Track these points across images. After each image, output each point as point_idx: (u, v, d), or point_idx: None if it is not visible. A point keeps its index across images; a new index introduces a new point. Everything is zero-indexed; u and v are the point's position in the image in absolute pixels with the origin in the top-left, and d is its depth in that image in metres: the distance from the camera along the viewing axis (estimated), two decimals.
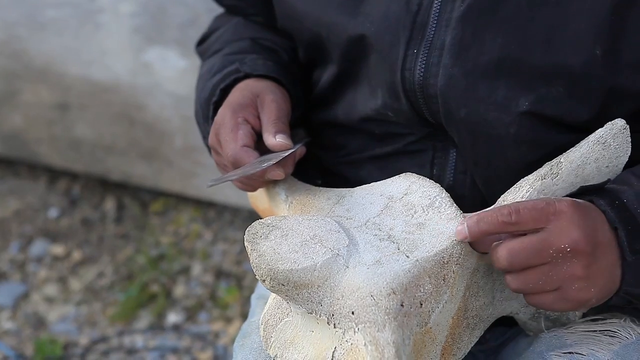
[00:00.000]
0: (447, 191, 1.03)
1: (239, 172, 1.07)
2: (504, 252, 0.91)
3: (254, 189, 1.17)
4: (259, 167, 1.05)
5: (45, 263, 2.52)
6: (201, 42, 1.37)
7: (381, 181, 1.06)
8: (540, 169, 1.00)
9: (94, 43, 2.44)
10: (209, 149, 1.22)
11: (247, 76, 1.18)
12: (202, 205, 2.59)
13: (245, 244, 0.96)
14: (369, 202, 1.02)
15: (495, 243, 0.93)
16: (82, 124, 2.60)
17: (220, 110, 1.15)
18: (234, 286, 2.37)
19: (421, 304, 0.91)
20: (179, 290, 2.38)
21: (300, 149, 1.14)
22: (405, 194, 1.02)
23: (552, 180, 0.98)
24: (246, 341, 1.08)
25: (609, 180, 0.97)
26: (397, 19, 1.06)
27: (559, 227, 0.90)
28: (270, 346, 0.99)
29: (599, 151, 0.99)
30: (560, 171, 0.98)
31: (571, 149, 0.99)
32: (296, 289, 0.93)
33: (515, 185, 1.00)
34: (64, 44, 2.48)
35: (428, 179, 1.04)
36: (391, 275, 0.90)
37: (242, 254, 2.46)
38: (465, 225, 0.93)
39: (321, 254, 0.93)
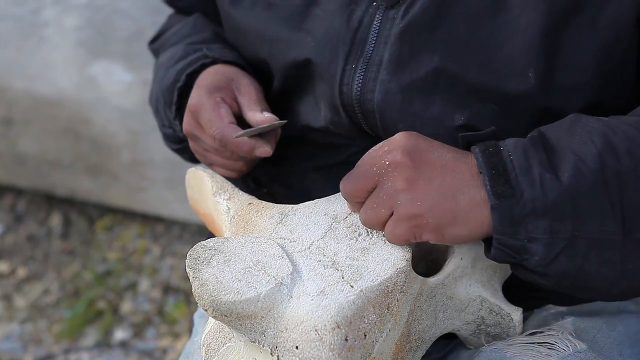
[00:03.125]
0: None
1: (258, 129, 1.09)
2: (343, 188, 0.97)
3: (238, 174, 1.17)
4: (275, 123, 1.09)
5: None
6: (155, 39, 1.37)
7: (325, 198, 1.05)
8: None
9: (38, 57, 2.41)
10: (167, 137, 1.24)
11: (214, 62, 1.18)
12: (150, 220, 2.57)
13: (187, 270, 0.94)
14: (312, 223, 1.01)
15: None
16: (27, 139, 2.57)
17: (194, 93, 1.14)
18: (182, 301, 2.35)
19: (365, 335, 0.90)
20: (126, 306, 2.36)
21: (279, 129, 1.16)
22: (349, 214, 1.02)
23: None
24: None
25: (494, 127, 0.97)
26: (337, 34, 1.08)
27: (384, 148, 0.95)
28: None
29: None
30: None
31: None
32: (239, 320, 0.92)
33: None
34: (7, 58, 2.45)
35: None
36: (335, 309, 0.89)
37: None
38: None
39: (264, 283, 0.92)
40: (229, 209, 1.09)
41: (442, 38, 1.02)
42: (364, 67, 1.06)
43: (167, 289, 2.40)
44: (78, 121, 2.46)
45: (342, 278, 0.93)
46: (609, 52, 0.99)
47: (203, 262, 0.94)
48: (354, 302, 0.90)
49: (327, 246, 0.98)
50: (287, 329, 0.90)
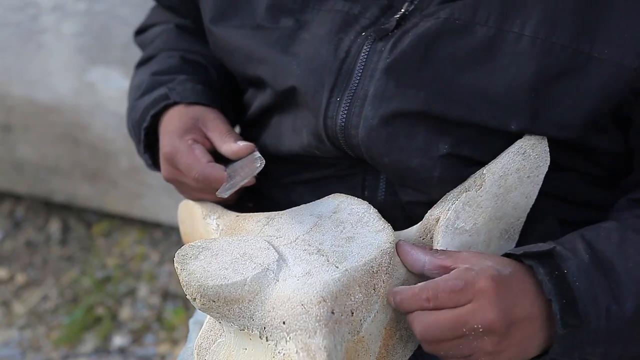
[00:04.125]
0: (378, 212, 1.05)
1: (244, 177, 1.08)
2: (418, 326, 0.92)
3: (233, 201, 1.18)
4: (254, 167, 1.07)
5: None
6: (140, 32, 1.39)
7: (310, 203, 1.07)
8: (465, 182, 1.02)
9: (36, 63, 2.42)
10: (146, 161, 1.25)
11: (176, 103, 1.19)
12: (148, 226, 2.57)
13: (175, 265, 0.97)
14: (298, 222, 1.03)
15: (410, 314, 0.94)
16: (25, 145, 2.57)
17: (166, 140, 1.15)
18: (181, 307, 2.35)
19: (352, 313, 0.92)
20: (125, 312, 2.36)
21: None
22: (334, 212, 1.03)
23: (476, 192, 1.00)
24: None
25: (555, 247, 0.96)
26: (323, 63, 1.06)
27: (475, 308, 0.91)
28: None
29: (519, 161, 1.02)
30: (483, 182, 1.01)
31: (493, 161, 1.02)
32: (227, 305, 0.93)
33: (441, 199, 1.02)
34: (6, 64, 2.45)
35: (356, 198, 1.05)
36: (321, 285, 0.91)
37: None
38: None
39: (251, 269, 0.94)
40: (218, 225, 1.11)
41: (428, 77, 1.01)
42: (349, 100, 1.05)
43: (166, 295, 2.40)
44: (76, 127, 2.46)
45: (327, 261, 0.96)
46: (597, 116, 1.00)
47: (191, 257, 0.97)
48: (339, 280, 0.92)
49: (312, 238, 1.00)
50: (274, 308, 0.92)
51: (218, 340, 0.99)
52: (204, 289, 0.93)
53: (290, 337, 0.90)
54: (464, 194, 1.00)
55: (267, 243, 0.99)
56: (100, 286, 2.41)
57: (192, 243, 1.00)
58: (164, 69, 1.26)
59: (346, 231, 1.00)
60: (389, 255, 0.97)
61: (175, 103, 1.19)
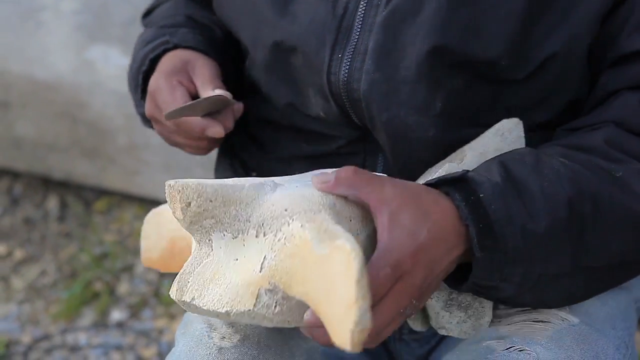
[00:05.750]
0: None
1: (189, 104, 1.09)
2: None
3: (205, 152, 1.21)
4: (217, 97, 1.08)
5: None
6: (147, 14, 1.40)
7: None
8: (447, 157, 1.06)
9: (35, 41, 2.43)
10: (142, 117, 1.26)
11: (176, 47, 1.21)
12: (146, 203, 2.59)
13: (166, 185, 0.94)
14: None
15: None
16: (24, 122, 2.58)
17: (153, 78, 1.18)
18: None
19: (350, 220, 0.91)
20: (123, 287, 2.38)
21: (237, 105, 1.18)
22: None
23: (457, 165, 1.03)
24: (188, 329, 1.10)
25: (467, 171, 0.97)
26: (323, 22, 1.08)
27: (406, 285, 0.88)
28: (186, 292, 0.94)
29: (497, 142, 1.06)
30: (464, 157, 1.04)
31: (474, 140, 1.06)
32: (224, 206, 0.92)
33: (425, 173, 1.06)
34: (5, 41, 2.46)
35: None
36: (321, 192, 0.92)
37: None
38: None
39: (249, 181, 0.94)
40: None
41: (425, 21, 1.03)
42: (350, 56, 1.07)
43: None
44: (75, 105, 2.48)
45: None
46: (576, 45, 1.04)
47: (180, 180, 0.95)
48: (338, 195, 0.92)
49: (306, 181, 0.98)
50: (273, 204, 0.91)
51: (204, 261, 0.95)
52: (202, 187, 0.92)
53: (293, 219, 0.89)
54: (447, 164, 1.03)
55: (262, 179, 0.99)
56: (98, 262, 2.43)
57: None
58: (168, 24, 1.28)
59: None
60: None
61: (174, 48, 1.22)
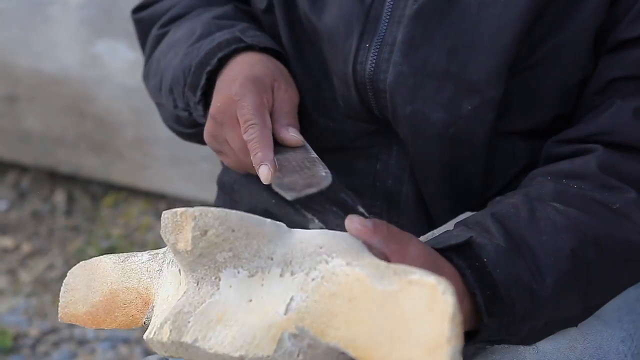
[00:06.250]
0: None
1: (312, 189, 0.94)
2: None
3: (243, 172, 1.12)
4: (320, 180, 0.96)
5: None
6: (142, 8, 1.29)
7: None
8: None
9: (43, 35, 2.43)
10: (176, 118, 1.17)
11: (248, 47, 1.11)
12: (153, 197, 2.60)
13: (169, 214, 0.87)
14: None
15: None
16: (32, 116, 2.59)
17: (241, 82, 1.05)
18: None
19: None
20: None
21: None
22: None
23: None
24: None
25: (471, 236, 0.95)
26: (350, 11, 1.08)
27: None
28: (186, 333, 0.85)
29: None
30: None
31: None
32: (247, 238, 0.84)
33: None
34: (12, 35, 2.47)
35: None
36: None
37: None
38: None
39: (269, 220, 0.86)
40: (156, 253, 1.00)
41: (455, 21, 1.03)
42: (378, 46, 1.07)
43: None
44: (82, 99, 2.48)
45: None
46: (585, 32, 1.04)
47: (185, 208, 0.87)
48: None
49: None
50: (301, 241, 0.84)
51: (208, 301, 0.86)
52: (226, 215, 0.83)
53: (333, 257, 0.82)
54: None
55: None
56: None
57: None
58: (219, 15, 1.18)
59: None
60: None
61: (246, 48, 1.11)
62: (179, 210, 0.86)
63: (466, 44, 1.04)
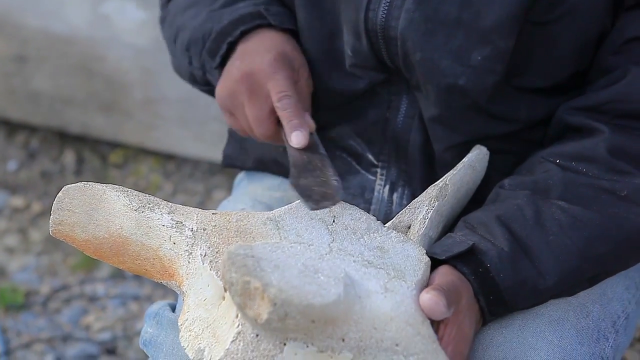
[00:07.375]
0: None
1: (328, 202, 0.98)
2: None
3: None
4: (334, 185, 1.00)
5: (4, 215, 2.53)
6: None
7: (294, 203, 1.01)
8: (429, 190, 1.05)
9: None
10: (190, 75, 1.20)
11: (269, 26, 1.15)
12: (162, 157, 2.61)
13: (245, 278, 0.82)
14: (310, 226, 0.98)
15: None
16: (41, 76, 2.59)
17: (275, 57, 1.10)
18: None
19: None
20: None
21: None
22: (335, 217, 1.00)
23: (442, 201, 1.04)
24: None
25: (473, 243, 0.98)
26: None
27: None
28: None
29: (469, 174, 1.08)
30: (447, 193, 1.05)
31: (451, 172, 1.07)
32: (325, 325, 0.83)
33: (409, 207, 1.04)
34: None
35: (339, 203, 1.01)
36: (412, 303, 0.89)
37: (202, 205, 2.49)
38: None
39: (334, 285, 0.85)
40: (180, 222, 0.99)
41: None
42: None
43: None
44: (91, 59, 2.49)
45: (389, 275, 0.93)
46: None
47: (256, 268, 0.83)
48: (416, 295, 0.91)
49: (345, 247, 0.95)
50: (375, 328, 0.86)
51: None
52: (309, 309, 0.81)
53: (409, 359, 0.86)
54: (436, 204, 1.03)
55: (313, 253, 0.92)
56: None
57: (235, 251, 0.84)
58: None
59: (367, 239, 0.98)
60: (428, 265, 0.97)
61: (268, 26, 1.15)
62: (253, 282, 0.81)
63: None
